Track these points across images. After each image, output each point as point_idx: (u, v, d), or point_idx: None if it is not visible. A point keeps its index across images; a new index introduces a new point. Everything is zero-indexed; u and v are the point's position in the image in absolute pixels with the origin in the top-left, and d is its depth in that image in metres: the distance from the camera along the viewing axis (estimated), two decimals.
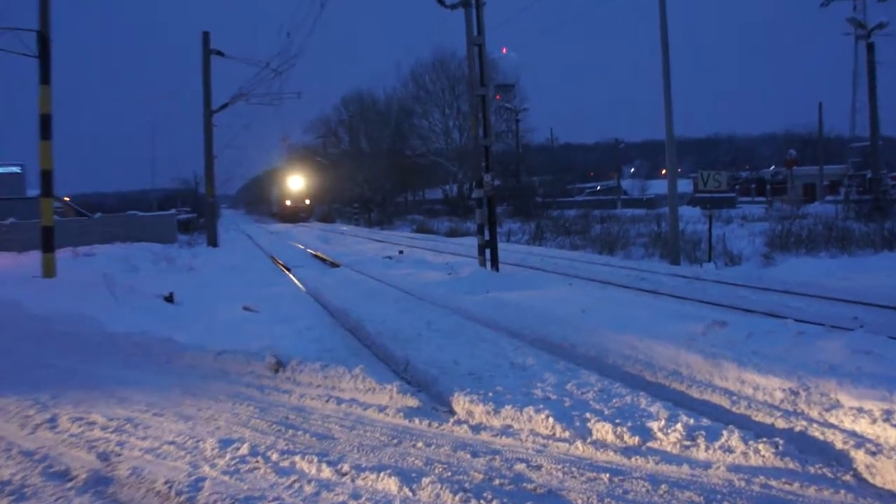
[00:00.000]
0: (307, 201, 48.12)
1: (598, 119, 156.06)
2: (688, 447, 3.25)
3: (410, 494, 2.80)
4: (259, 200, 74.43)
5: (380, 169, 46.50)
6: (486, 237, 10.91)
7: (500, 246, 11.42)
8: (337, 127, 56.63)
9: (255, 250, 19.96)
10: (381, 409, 4.07)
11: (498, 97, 42.87)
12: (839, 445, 3.18)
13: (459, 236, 24.72)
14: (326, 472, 3.05)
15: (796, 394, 3.85)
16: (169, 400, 4.41)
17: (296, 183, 47.85)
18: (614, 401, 3.95)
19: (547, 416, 3.63)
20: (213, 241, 19.79)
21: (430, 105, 47.09)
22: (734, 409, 3.90)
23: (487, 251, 10.90)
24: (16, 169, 27.68)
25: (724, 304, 7.80)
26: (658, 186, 48.11)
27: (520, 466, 3.08)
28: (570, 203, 39.90)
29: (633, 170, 71.75)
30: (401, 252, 14.97)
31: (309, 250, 17.96)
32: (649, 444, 3.32)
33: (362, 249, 18.35)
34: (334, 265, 13.90)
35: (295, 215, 45.76)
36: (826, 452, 3.18)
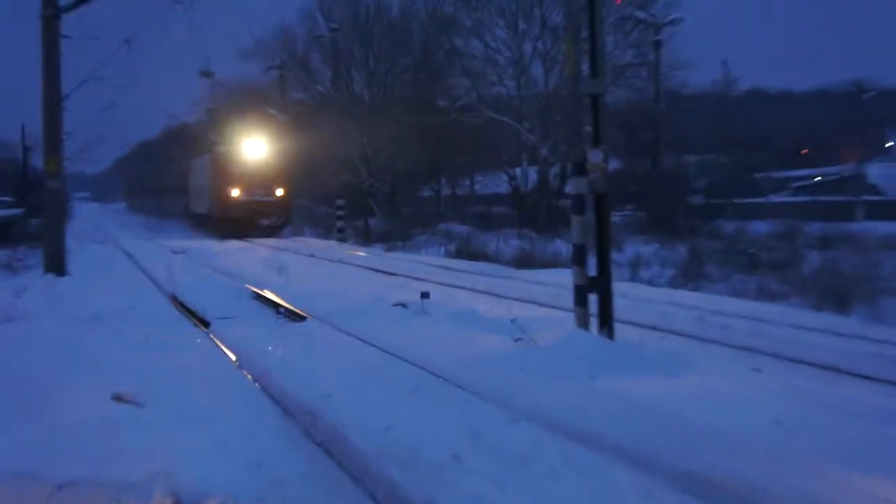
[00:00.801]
0: (280, 191, 44.81)
1: (816, 47, 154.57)
2: None
3: None
4: (158, 189, 75.16)
5: (390, 135, 46.88)
6: (593, 271, 10.88)
7: (618, 288, 11.37)
8: (308, 52, 57.66)
9: (139, 282, 20.34)
10: None
11: None
12: None
13: (539, 267, 24.53)
14: None
15: None
16: None
17: (256, 150, 44.47)
18: None
19: None
20: (57, 264, 20.24)
21: (486, 14, 47.33)
22: None
23: (593, 298, 10.86)
24: None
25: None
26: None
27: None
28: (759, 207, 39.49)
29: (891, 144, 70.42)
30: (425, 295, 15.05)
31: (248, 286, 18.18)
32: None
33: (352, 287, 18.41)
34: (297, 316, 14.06)
35: (250, 221, 42.95)
36: None
